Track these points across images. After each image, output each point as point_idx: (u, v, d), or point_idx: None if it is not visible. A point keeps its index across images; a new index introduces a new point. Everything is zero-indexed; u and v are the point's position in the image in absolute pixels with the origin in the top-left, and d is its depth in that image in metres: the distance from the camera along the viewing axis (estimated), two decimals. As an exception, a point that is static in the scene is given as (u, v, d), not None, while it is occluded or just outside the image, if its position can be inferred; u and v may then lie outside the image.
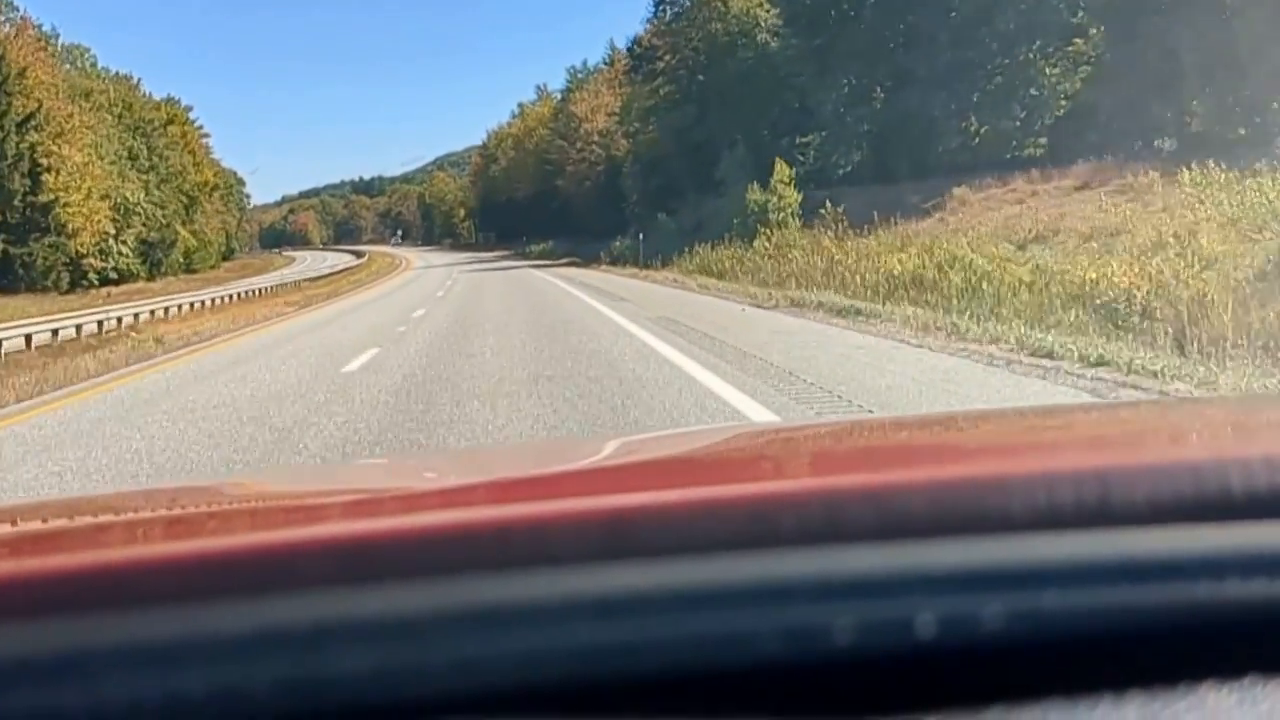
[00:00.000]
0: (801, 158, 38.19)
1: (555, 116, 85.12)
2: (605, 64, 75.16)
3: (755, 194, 32.68)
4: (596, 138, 70.97)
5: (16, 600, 0.63)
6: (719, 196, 42.51)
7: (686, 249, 35.37)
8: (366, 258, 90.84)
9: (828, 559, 0.65)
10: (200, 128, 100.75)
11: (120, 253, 55.81)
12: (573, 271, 41.60)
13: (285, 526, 0.92)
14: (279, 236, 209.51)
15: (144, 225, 60.19)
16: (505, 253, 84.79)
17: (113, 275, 53.95)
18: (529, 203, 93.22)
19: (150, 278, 61.25)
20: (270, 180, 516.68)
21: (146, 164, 64.47)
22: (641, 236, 41.72)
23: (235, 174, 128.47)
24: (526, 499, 0.94)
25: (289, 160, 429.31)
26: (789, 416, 7.02)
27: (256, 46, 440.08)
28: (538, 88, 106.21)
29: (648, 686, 0.59)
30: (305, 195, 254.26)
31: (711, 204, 42.21)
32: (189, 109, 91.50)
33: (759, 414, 7.23)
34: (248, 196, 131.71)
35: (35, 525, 1.10)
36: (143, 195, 58.75)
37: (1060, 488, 0.72)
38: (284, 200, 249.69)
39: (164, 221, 64.44)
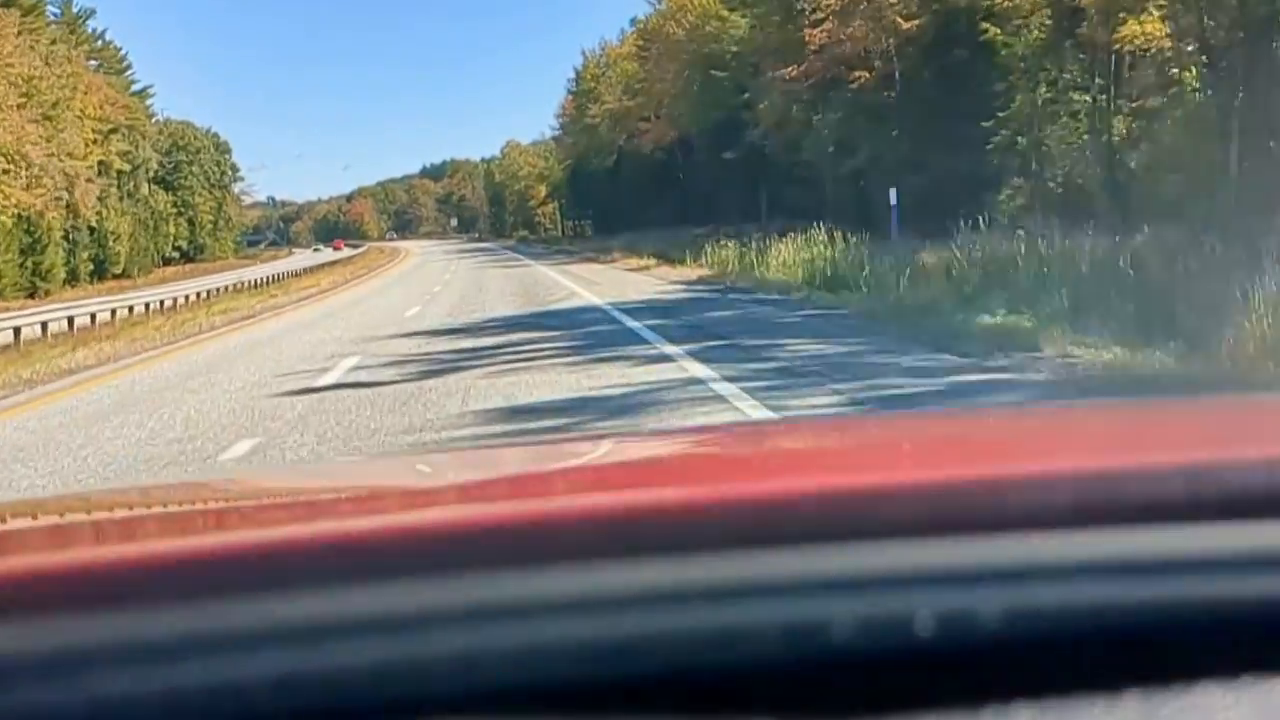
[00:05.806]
0: None
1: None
2: None
3: None
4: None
5: (12, 598, 0.62)
6: None
7: None
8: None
9: (827, 557, 0.64)
10: (92, 33, 59.04)
11: None
12: None
13: (284, 523, 0.91)
14: (333, 229, 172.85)
15: None
16: (632, 263, 39.47)
17: None
18: (667, 158, 48.71)
19: None
20: (350, 173, 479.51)
21: None
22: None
23: (215, 136, 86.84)
24: (525, 497, 0.95)
25: (368, 154, 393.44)
26: None
27: (337, 41, 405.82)
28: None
29: (647, 685, 0.59)
30: (382, 185, 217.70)
31: None
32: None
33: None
34: (234, 169, 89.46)
35: (30, 522, 1.08)
36: None
37: (1059, 487, 0.72)
38: (359, 191, 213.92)
39: None
